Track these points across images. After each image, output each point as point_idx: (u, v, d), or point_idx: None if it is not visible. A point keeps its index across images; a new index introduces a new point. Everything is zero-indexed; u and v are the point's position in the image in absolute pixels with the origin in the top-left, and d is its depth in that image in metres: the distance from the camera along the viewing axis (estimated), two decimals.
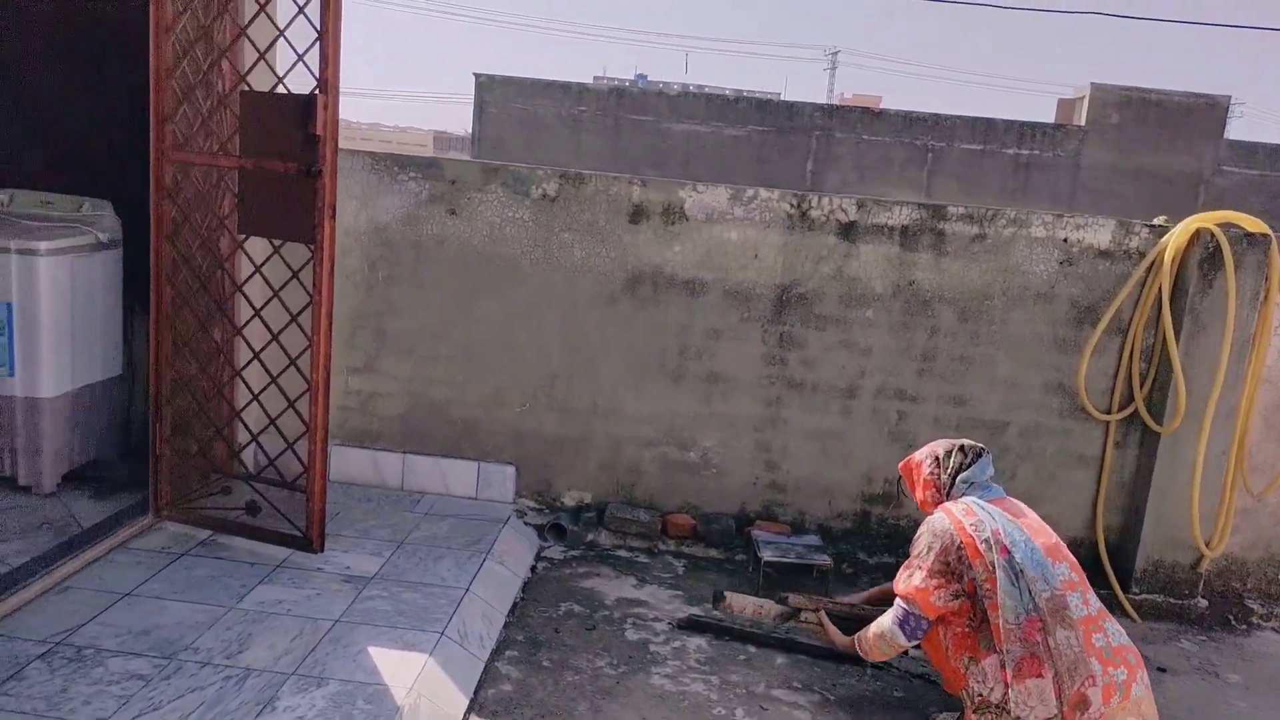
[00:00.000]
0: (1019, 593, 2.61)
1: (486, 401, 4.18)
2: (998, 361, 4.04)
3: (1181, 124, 19.47)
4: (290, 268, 3.47)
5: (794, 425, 4.13)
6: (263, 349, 3.52)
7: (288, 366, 3.46)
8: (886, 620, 2.86)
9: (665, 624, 3.43)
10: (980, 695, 2.61)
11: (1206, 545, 3.93)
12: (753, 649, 3.31)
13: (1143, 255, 3.94)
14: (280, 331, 3.48)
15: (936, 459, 2.99)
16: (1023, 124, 20.38)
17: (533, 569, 3.78)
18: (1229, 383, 3.80)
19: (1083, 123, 20.27)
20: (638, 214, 4.06)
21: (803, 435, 4.13)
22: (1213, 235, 3.77)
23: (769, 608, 3.33)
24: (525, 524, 4.10)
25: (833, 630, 3.17)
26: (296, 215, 3.30)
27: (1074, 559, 2.79)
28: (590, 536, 4.08)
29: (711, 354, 4.11)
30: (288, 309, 3.47)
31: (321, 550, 3.43)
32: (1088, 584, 2.75)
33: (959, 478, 2.92)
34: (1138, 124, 19.43)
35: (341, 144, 3.35)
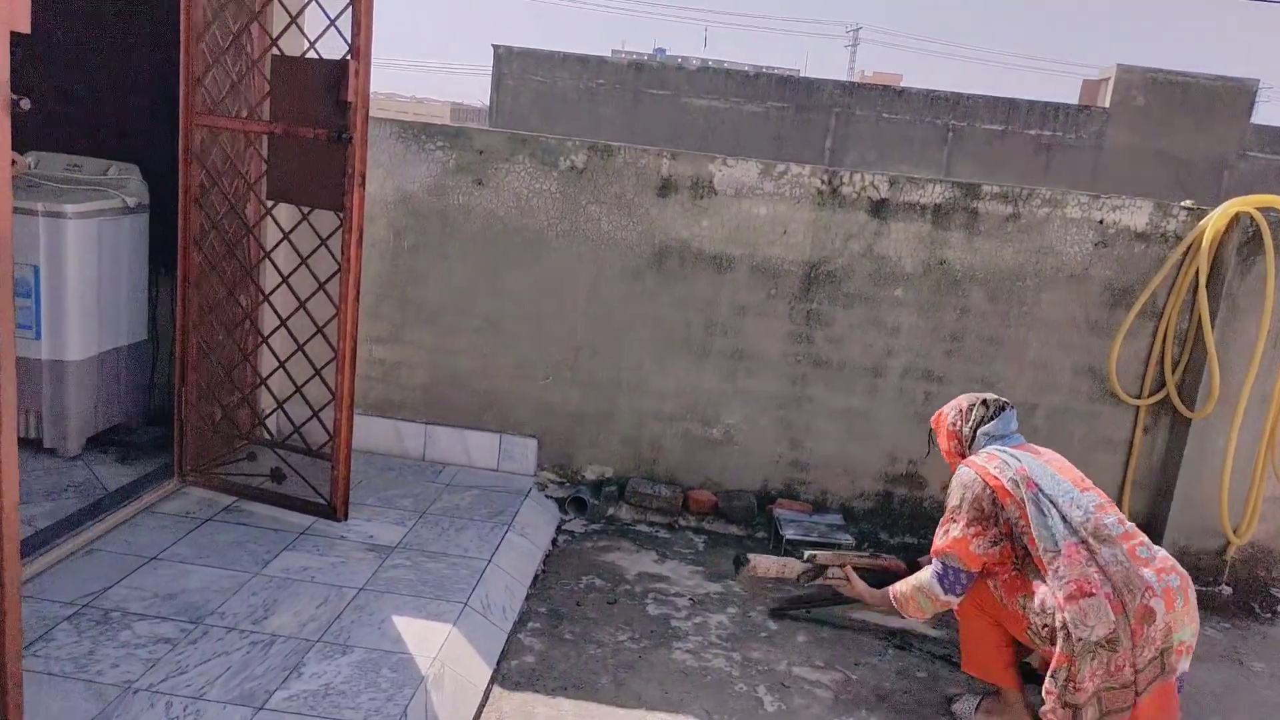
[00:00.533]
0: (1053, 521, 2.60)
1: (510, 373, 4.16)
2: (1028, 343, 3.99)
3: (1207, 107, 19.20)
4: (319, 235, 3.45)
5: (819, 404, 4.09)
6: (289, 316, 3.51)
7: (315, 334, 3.45)
8: (925, 574, 2.82)
9: (686, 599, 3.42)
10: (1046, 626, 2.58)
11: (1234, 532, 3.89)
12: (773, 626, 3.30)
13: (1179, 238, 3.87)
14: (308, 299, 3.47)
15: (960, 411, 2.97)
16: (1046, 105, 20.13)
17: (554, 542, 3.78)
18: (1264, 368, 3.75)
19: (1107, 104, 19.98)
20: (666, 187, 4.01)
21: (827, 414, 4.10)
22: (1253, 219, 3.70)
23: (793, 566, 3.29)
24: (546, 497, 4.09)
25: (860, 585, 3.14)
26: (325, 182, 3.28)
27: (1103, 493, 2.78)
28: (611, 511, 4.07)
29: (737, 330, 4.08)
30: (315, 276, 3.45)
31: (345, 519, 3.43)
32: (1119, 509, 2.75)
33: (980, 430, 2.90)
34: (1163, 106, 19.18)
35: None
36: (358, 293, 3.31)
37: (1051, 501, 2.63)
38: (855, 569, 3.20)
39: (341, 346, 3.30)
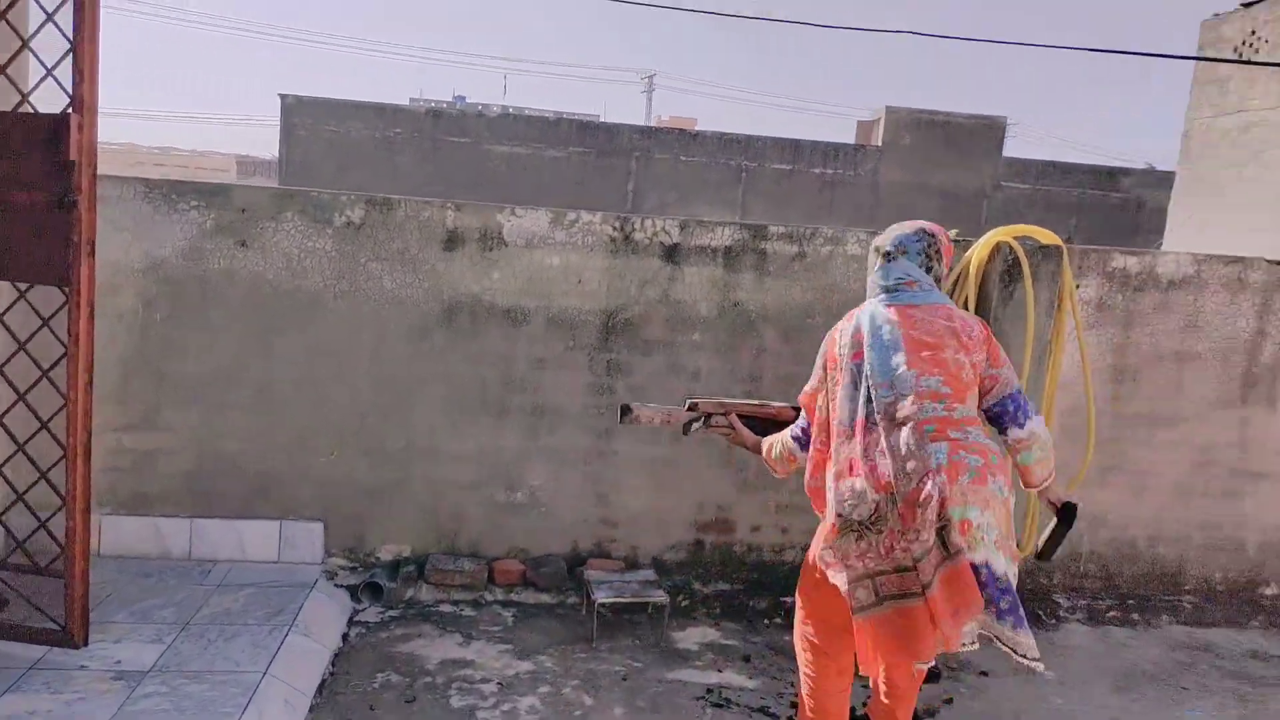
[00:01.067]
0: (857, 394, 2.50)
1: (289, 451, 3.78)
2: None
3: (965, 143, 21.14)
4: (40, 315, 3.00)
5: (625, 456, 3.98)
6: (5, 412, 3.01)
7: (39, 430, 2.97)
8: (786, 432, 2.75)
9: (494, 684, 3.17)
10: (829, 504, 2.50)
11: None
12: (589, 701, 3.11)
13: (949, 269, 4.07)
14: (28, 390, 2.99)
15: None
16: (827, 145, 21.48)
17: (345, 637, 3.42)
18: (1031, 389, 3.97)
19: (879, 143, 21.56)
20: (453, 240, 3.81)
21: (634, 466, 3.99)
22: (1011, 248, 3.94)
23: (678, 415, 3.13)
24: (336, 586, 3.72)
25: (745, 432, 3.01)
26: (46, 254, 2.85)
27: (971, 381, 2.49)
28: (410, 593, 3.75)
29: (537, 385, 3.91)
30: (37, 363, 2.99)
31: (86, 643, 2.93)
32: (969, 403, 2.50)
33: (870, 278, 2.73)
34: (927, 143, 20.95)
35: (126, 171, 2.93)
36: (90, 378, 2.88)
37: (866, 376, 2.49)
38: (741, 417, 3.03)
39: (71, 441, 2.85)
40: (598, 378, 3.94)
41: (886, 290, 2.64)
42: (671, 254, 3.93)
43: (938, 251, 2.70)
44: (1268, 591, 4.33)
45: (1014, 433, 2.57)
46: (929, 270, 2.68)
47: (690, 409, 3.11)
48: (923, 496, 2.34)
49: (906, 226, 2.73)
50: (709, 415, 3.10)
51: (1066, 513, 2.76)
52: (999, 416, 2.58)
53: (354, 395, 3.80)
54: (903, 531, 2.36)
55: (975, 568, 2.37)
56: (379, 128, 21.17)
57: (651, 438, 3.97)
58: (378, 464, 3.84)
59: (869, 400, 2.48)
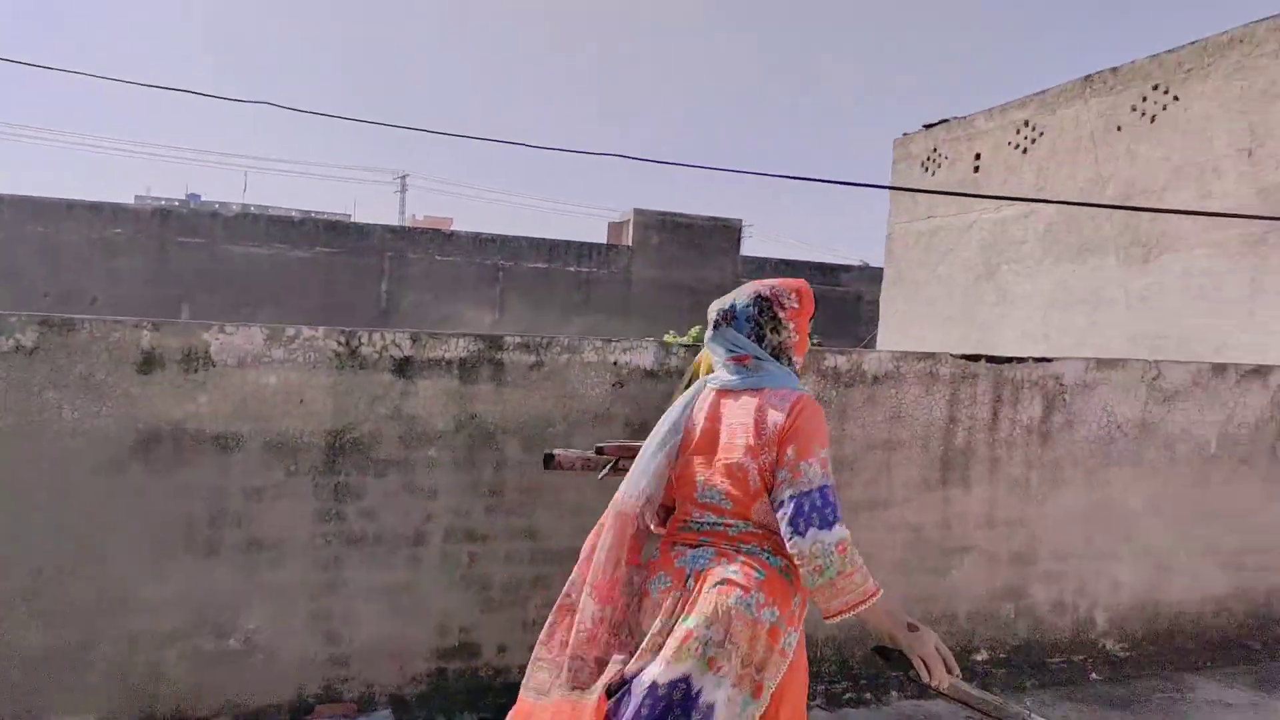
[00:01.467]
0: (634, 480, 2.41)
1: None
2: (563, 488, 4.01)
3: (706, 243, 22.68)
4: None
5: (356, 585, 3.69)
6: None
7: None
8: None
9: None
10: None
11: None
12: None
13: (681, 373, 4.21)
14: None
15: None
16: (581, 244, 22.25)
17: None
18: None
19: (630, 243, 22.63)
20: (149, 363, 3.44)
21: (367, 595, 3.70)
22: None
23: (595, 460, 3.09)
24: None
25: None
26: None
27: (758, 490, 2.23)
28: None
29: (253, 517, 3.56)
30: None
31: None
32: (755, 516, 2.26)
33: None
34: (673, 243, 22.28)
35: None
36: None
37: (643, 466, 2.40)
38: None
39: None
40: (325, 504, 3.66)
41: (723, 365, 2.42)
42: (403, 367, 3.78)
43: (774, 317, 2.39)
44: (979, 658, 4.71)
45: (788, 547, 2.20)
46: (762, 340, 2.38)
47: (598, 452, 3.13)
48: (619, 610, 2.31)
49: (744, 290, 2.46)
50: (618, 459, 3.09)
51: (882, 655, 2.39)
52: (782, 524, 2.20)
53: (26, 547, 3.27)
54: (554, 624, 2.33)
55: (672, 684, 2.11)
56: (97, 228, 19.43)
57: (388, 562, 3.73)
58: (55, 624, 3.30)
59: (623, 491, 2.42)
